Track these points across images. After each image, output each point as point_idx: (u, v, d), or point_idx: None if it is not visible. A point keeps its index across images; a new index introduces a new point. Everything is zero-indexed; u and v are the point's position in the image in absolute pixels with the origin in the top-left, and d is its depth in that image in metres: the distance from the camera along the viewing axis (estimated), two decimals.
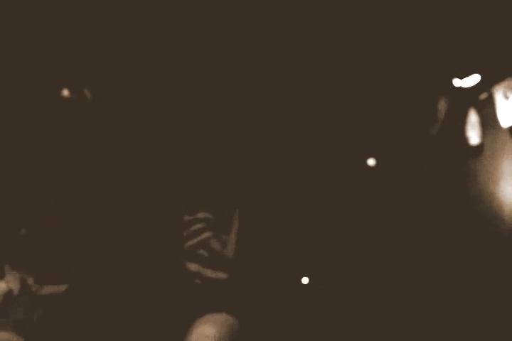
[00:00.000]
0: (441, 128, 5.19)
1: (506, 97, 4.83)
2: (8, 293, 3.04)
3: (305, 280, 5.01)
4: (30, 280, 3.26)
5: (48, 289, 3.31)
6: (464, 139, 5.12)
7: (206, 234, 3.88)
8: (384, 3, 4.62)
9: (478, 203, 5.07)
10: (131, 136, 4.74)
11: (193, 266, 3.84)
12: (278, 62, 4.74)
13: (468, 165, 5.14)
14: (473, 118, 5.06)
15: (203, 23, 4.37)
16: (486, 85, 4.99)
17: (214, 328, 1.65)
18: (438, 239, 5.01)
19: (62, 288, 3.32)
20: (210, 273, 3.84)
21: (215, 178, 3.97)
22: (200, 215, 3.92)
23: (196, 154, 4.72)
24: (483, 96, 5.03)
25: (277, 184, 5.02)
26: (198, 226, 3.87)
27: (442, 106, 5.19)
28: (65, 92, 4.64)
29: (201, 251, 3.86)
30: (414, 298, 4.86)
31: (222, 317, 1.71)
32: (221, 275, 3.85)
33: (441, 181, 5.13)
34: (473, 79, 4.98)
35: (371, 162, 5.26)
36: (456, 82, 5.03)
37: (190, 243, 3.86)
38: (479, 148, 5.07)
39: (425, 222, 5.10)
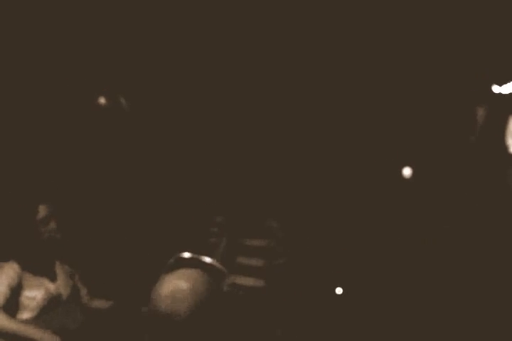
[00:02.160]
0: (480, 136, 5.08)
1: None
2: (57, 297, 3.12)
3: (339, 291, 4.97)
4: (84, 291, 3.32)
5: (97, 302, 3.35)
6: (503, 147, 4.99)
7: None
8: (427, 11, 4.57)
9: None
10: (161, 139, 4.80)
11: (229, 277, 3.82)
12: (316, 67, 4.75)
13: (507, 173, 5.02)
14: None
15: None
16: None
17: (189, 282, 1.54)
18: (479, 247, 4.91)
19: (110, 303, 3.35)
20: (246, 281, 3.82)
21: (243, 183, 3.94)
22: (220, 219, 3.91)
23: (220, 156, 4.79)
24: None
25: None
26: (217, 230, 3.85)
27: (481, 113, 5.08)
28: (102, 100, 4.71)
29: (237, 259, 3.83)
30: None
31: (196, 273, 1.59)
32: (258, 283, 3.83)
33: (480, 189, 5.02)
34: None
35: (407, 171, 5.18)
36: (496, 89, 4.93)
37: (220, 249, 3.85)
38: None
39: (464, 229, 5.01)
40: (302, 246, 4.39)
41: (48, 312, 3.06)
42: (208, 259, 1.68)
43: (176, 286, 1.58)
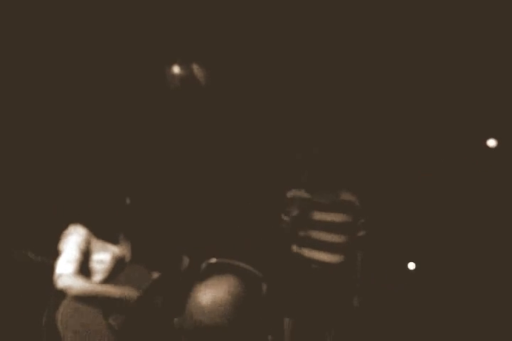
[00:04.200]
0: None
1: None
2: (123, 259, 3.19)
3: (411, 266, 4.86)
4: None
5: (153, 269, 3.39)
6: None
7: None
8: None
9: None
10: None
11: (305, 251, 3.78)
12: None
13: None
14: None
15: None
16: None
17: (211, 294, 1.49)
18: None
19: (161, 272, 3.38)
20: (323, 256, 3.77)
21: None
22: (302, 194, 3.83)
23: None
24: None
25: None
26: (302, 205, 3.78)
27: None
28: (176, 69, 4.68)
29: (316, 235, 3.77)
30: None
31: (233, 281, 1.51)
32: (335, 258, 3.77)
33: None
34: None
35: (492, 143, 4.95)
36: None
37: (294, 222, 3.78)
38: None
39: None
40: (380, 220, 4.28)
41: (117, 274, 3.11)
42: (242, 264, 1.65)
43: (216, 298, 1.53)
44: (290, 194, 3.86)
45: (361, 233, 3.85)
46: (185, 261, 3.35)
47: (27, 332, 3.60)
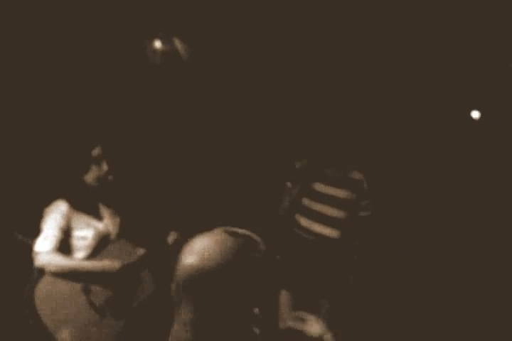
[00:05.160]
0: None
1: None
2: (107, 235, 3.15)
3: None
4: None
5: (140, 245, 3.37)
6: None
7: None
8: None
9: None
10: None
11: (304, 221, 3.76)
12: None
13: None
14: None
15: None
16: None
17: (196, 257, 1.58)
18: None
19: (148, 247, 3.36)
20: (321, 229, 3.75)
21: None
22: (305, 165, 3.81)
23: None
24: None
25: None
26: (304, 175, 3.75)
27: None
28: (157, 44, 4.62)
29: (318, 206, 3.75)
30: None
31: (227, 238, 1.59)
32: (333, 233, 3.75)
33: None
34: None
35: (475, 114, 4.94)
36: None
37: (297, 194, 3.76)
38: None
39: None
40: (385, 201, 4.26)
41: (101, 251, 3.08)
42: (240, 230, 1.70)
43: (206, 246, 1.62)
44: (299, 163, 3.83)
45: (364, 213, 3.83)
46: (173, 235, 3.33)
47: (12, 311, 3.58)
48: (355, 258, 3.85)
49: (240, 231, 1.69)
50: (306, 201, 3.76)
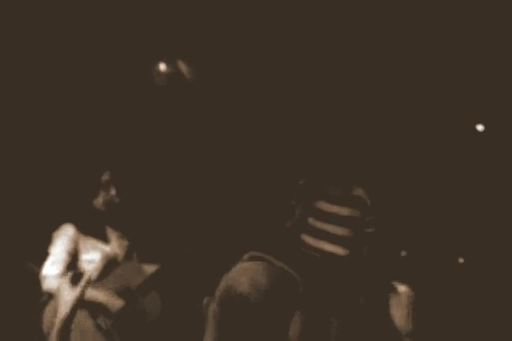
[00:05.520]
0: None
1: None
2: (114, 258, 3.16)
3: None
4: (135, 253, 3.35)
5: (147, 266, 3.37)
6: None
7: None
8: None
9: None
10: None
11: (310, 239, 3.77)
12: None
13: None
14: None
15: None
16: None
17: (248, 285, 1.53)
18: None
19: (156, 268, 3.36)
20: (328, 246, 3.75)
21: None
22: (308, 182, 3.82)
23: None
24: None
25: None
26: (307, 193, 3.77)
27: None
28: (161, 67, 4.67)
29: (322, 225, 3.76)
30: None
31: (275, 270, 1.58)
32: (340, 250, 3.75)
33: None
34: None
35: (480, 127, 4.95)
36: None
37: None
38: None
39: None
40: (388, 217, 4.27)
41: (108, 274, 3.09)
42: (280, 264, 1.71)
43: (255, 276, 1.61)
44: (302, 181, 3.86)
45: (369, 230, 3.84)
46: (190, 251, 3.35)
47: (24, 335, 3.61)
48: (365, 275, 3.85)
49: (276, 262, 1.71)
50: (310, 220, 3.78)
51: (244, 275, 1.61)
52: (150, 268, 3.21)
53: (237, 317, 1.52)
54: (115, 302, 3.00)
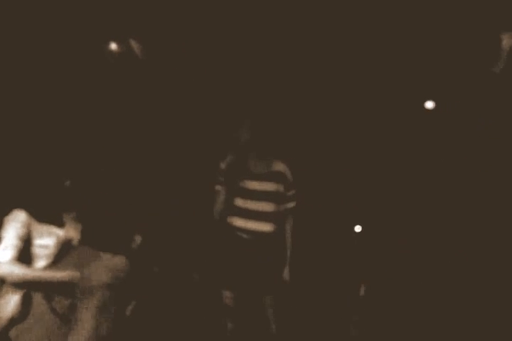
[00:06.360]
0: (504, 67, 4.88)
1: None
2: (68, 242, 3.15)
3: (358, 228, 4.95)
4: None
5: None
6: None
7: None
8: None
9: None
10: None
11: (238, 221, 3.83)
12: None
13: None
14: None
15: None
16: None
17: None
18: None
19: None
20: (256, 225, 3.82)
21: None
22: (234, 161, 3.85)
23: None
24: None
25: None
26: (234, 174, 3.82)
27: (506, 43, 4.86)
28: (113, 46, 4.63)
29: (248, 204, 3.82)
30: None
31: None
32: (267, 228, 3.82)
33: (504, 122, 4.87)
34: None
35: (429, 104, 5.04)
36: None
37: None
38: None
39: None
40: (312, 191, 4.35)
41: (63, 258, 3.08)
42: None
43: None
44: (224, 164, 3.89)
45: (291, 204, 3.93)
46: (138, 239, 3.37)
47: None
48: (289, 252, 3.91)
49: None
50: (237, 200, 3.83)
51: None
52: (104, 253, 3.22)
53: None
54: (74, 275, 2.95)
